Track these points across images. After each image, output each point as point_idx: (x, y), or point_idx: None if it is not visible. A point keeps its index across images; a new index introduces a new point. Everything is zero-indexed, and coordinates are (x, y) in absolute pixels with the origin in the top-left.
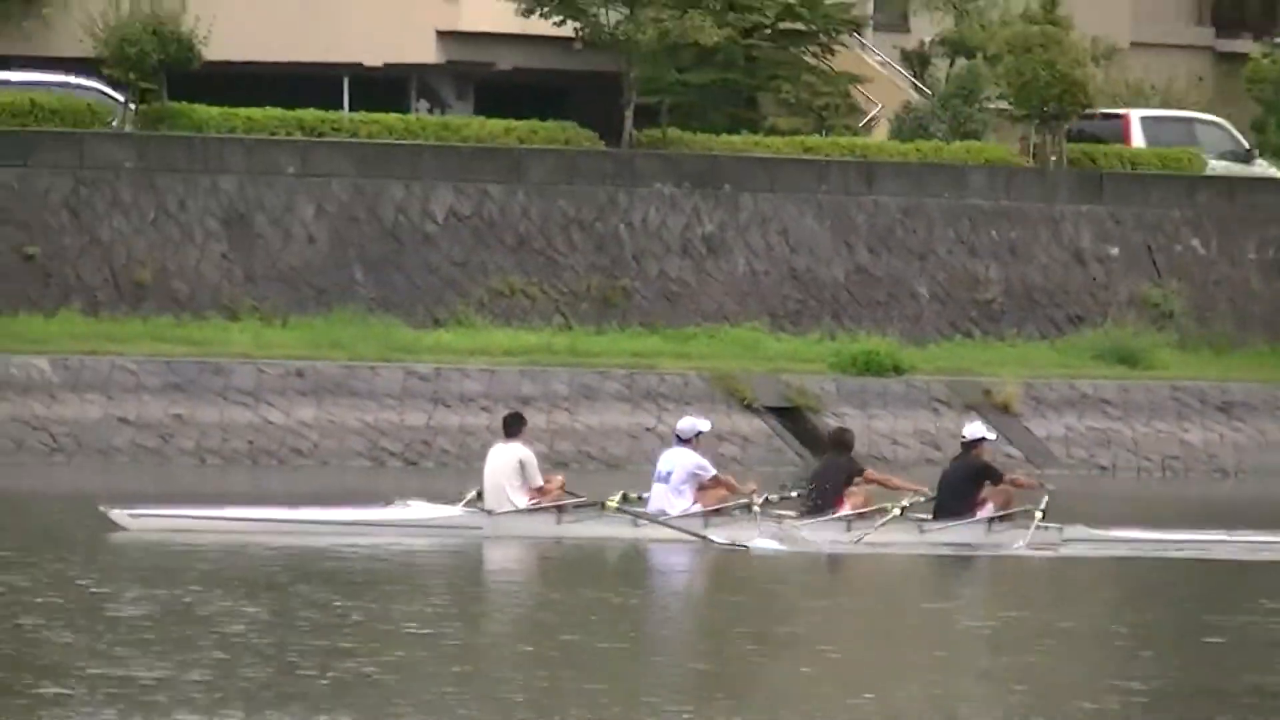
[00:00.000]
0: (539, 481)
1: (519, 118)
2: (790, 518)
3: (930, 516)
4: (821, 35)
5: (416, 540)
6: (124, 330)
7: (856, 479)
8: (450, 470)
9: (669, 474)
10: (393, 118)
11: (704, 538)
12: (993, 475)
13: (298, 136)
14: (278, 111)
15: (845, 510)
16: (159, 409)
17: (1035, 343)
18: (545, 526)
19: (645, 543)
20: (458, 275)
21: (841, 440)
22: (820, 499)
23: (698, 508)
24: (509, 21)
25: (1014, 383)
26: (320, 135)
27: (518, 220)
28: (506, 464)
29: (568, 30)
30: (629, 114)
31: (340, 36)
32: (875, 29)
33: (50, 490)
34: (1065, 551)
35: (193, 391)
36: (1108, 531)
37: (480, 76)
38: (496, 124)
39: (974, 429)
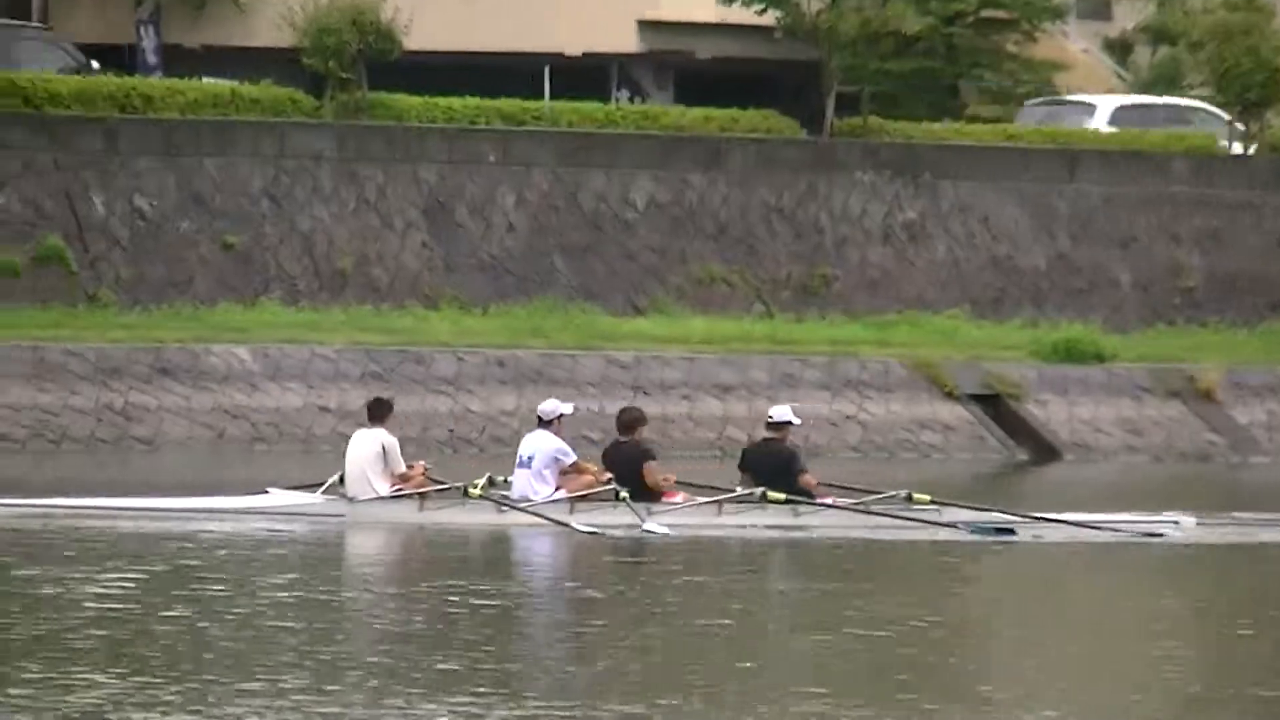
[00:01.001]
0: (402, 468)
1: (719, 106)
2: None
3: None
4: (1023, 23)
5: (277, 527)
6: (324, 319)
7: (649, 461)
8: None
9: (530, 459)
10: (593, 106)
11: (566, 525)
12: (798, 465)
13: (498, 125)
14: (478, 101)
15: (679, 499)
16: (359, 397)
17: (1237, 330)
18: (408, 514)
19: (510, 529)
20: (657, 263)
21: (626, 421)
22: (624, 484)
23: (562, 494)
24: (709, 11)
25: (1216, 370)
26: (521, 124)
27: (718, 208)
28: (369, 450)
29: (768, 19)
30: (830, 102)
31: (541, 26)
32: (1077, 17)
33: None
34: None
35: (393, 380)
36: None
37: (680, 65)
38: (696, 113)
39: (781, 411)
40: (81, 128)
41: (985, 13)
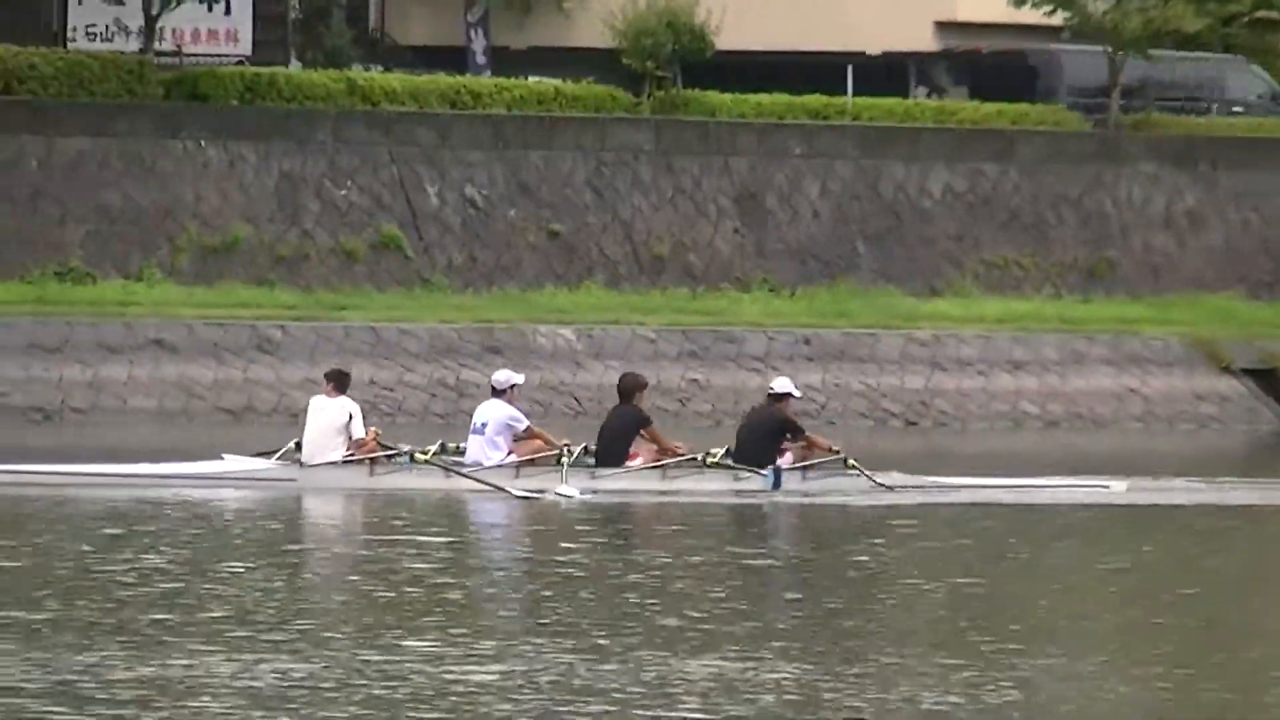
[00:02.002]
0: (363, 434)
1: (1010, 101)
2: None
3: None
4: None
5: (226, 493)
6: (643, 301)
7: (643, 429)
8: (947, 430)
9: (484, 425)
10: (892, 102)
11: (503, 489)
12: (794, 430)
13: (804, 121)
14: (785, 97)
15: (638, 463)
16: (676, 374)
17: None
18: (358, 479)
19: (457, 494)
20: (953, 248)
21: (626, 387)
22: (612, 448)
23: (512, 459)
24: (1001, 12)
25: None
26: (825, 119)
27: (1009, 196)
28: (335, 418)
29: (1057, 19)
30: (1115, 97)
31: (844, 27)
32: None
33: None
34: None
35: (707, 358)
36: (920, 478)
37: (974, 62)
38: (989, 107)
39: (781, 382)
40: (416, 123)
41: (1260, 13)
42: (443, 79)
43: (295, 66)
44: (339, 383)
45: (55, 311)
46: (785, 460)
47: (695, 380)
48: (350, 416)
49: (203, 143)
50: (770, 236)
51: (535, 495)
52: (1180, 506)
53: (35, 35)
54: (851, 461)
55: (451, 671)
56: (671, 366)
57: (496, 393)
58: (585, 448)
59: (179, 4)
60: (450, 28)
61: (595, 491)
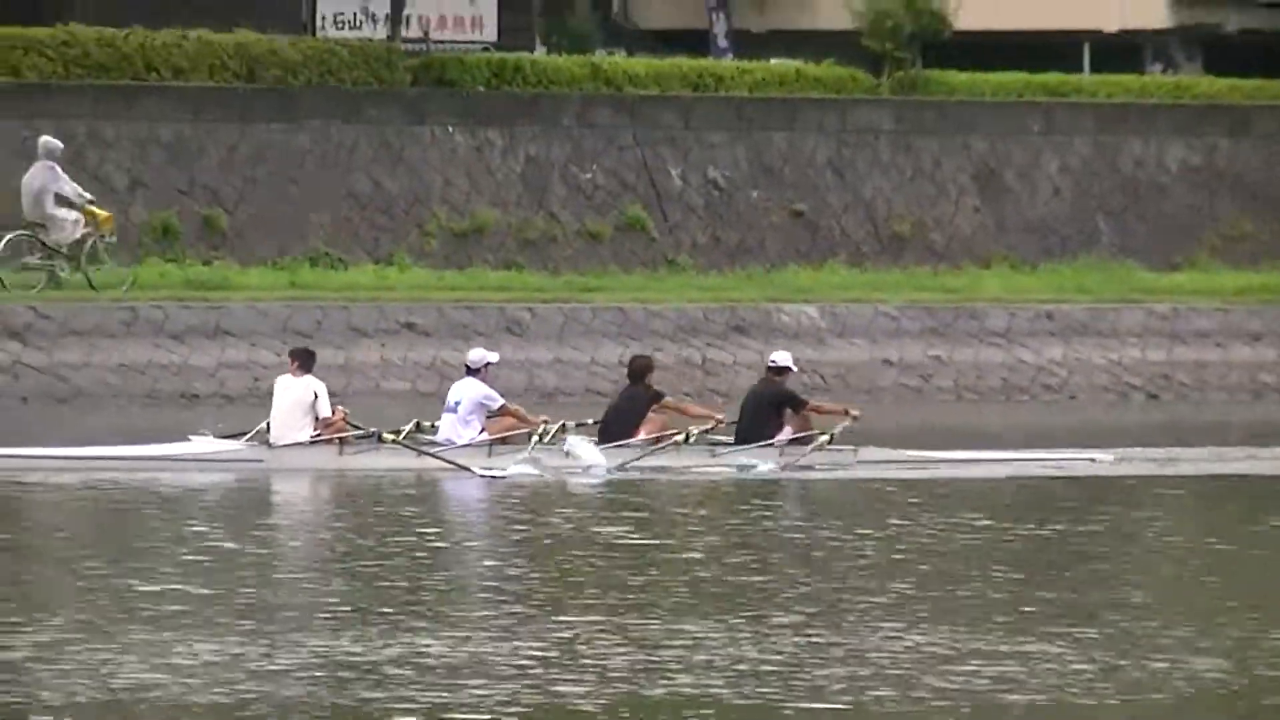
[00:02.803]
0: (329, 413)
1: (1245, 77)
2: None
3: (732, 441)
4: None
5: (194, 476)
6: (885, 279)
7: (654, 406)
8: (1188, 403)
9: (457, 404)
10: (1129, 79)
11: (465, 468)
12: (795, 402)
13: (1041, 98)
14: (1023, 76)
15: (640, 437)
16: (919, 351)
17: None
18: (327, 459)
19: (427, 474)
20: (1191, 222)
21: (636, 369)
22: (616, 427)
23: (485, 437)
24: None
25: None
26: (1063, 97)
27: (1245, 171)
28: (300, 397)
29: None
30: None
31: (1081, 5)
32: None
33: None
34: (859, 473)
35: (949, 335)
36: (901, 452)
37: (1209, 38)
38: (1224, 83)
39: (782, 356)
40: (659, 106)
41: None
42: (685, 62)
43: (540, 51)
44: (303, 362)
45: (307, 296)
46: (785, 434)
47: (937, 356)
48: (315, 395)
49: (450, 128)
50: (1010, 213)
51: (499, 474)
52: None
53: (285, 24)
54: (824, 436)
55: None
56: (914, 343)
57: (470, 371)
58: (563, 425)
59: None
60: (692, 11)
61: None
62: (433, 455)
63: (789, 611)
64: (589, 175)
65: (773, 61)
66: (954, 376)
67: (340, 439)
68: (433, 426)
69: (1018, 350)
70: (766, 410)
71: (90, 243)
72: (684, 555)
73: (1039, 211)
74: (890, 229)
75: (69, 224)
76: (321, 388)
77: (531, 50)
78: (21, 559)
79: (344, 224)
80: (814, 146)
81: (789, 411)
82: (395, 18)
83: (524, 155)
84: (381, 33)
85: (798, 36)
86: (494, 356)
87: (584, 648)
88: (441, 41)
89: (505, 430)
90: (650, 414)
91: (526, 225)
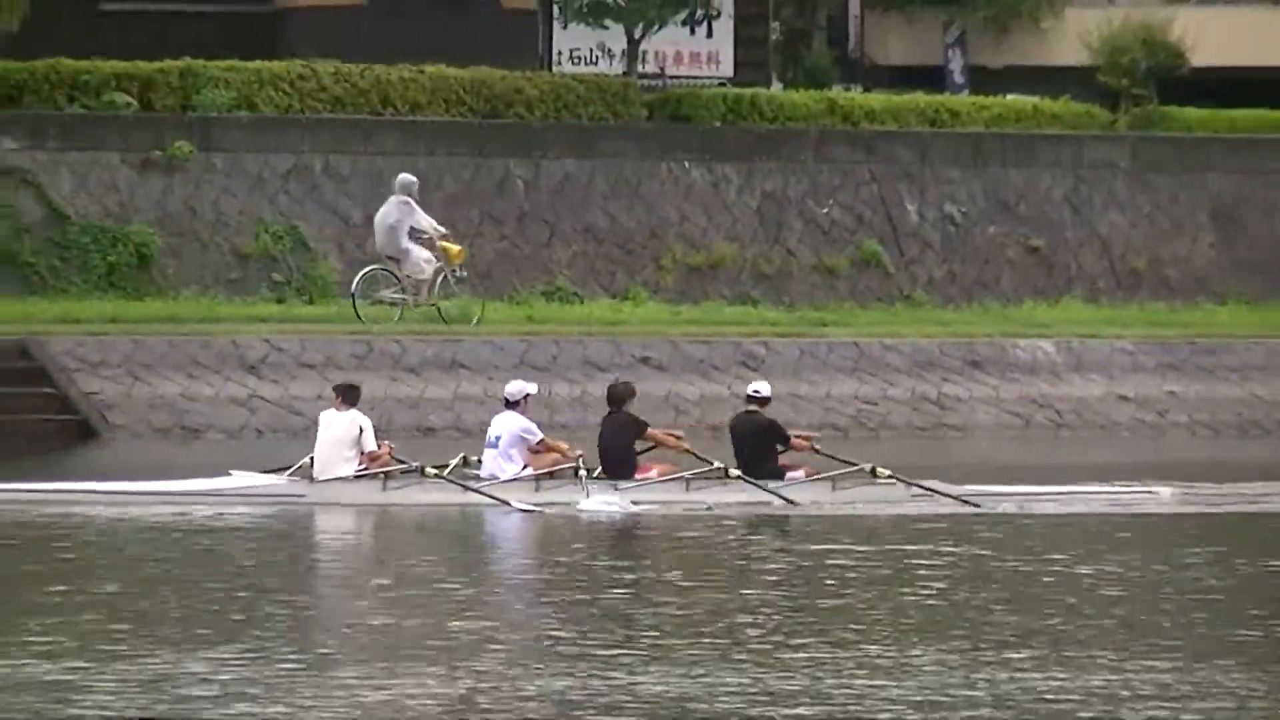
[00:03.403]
0: (374, 447)
1: None
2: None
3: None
4: None
5: (235, 510)
6: (1121, 315)
7: (642, 432)
8: None
9: (498, 439)
10: None
11: (505, 501)
12: (781, 434)
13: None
14: (1261, 113)
15: (652, 475)
16: (1154, 386)
17: None
18: (370, 493)
19: (471, 508)
20: None
21: (616, 395)
22: (614, 460)
23: (529, 471)
24: None
25: None
26: None
27: None
28: (345, 431)
29: None
30: None
31: None
32: None
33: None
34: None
35: (1185, 370)
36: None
37: None
38: None
39: (761, 386)
40: (896, 142)
41: None
42: (921, 98)
43: (776, 87)
44: (347, 397)
45: (544, 330)
46: (799, 474)
47: (1173, 392)
48: (360, 430)
49: (686, 163)
50: (1246, 250)
51: (538, 509)
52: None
53: (522, 60)
54: (881, 470)
55: None
56: (1150, 379)
57: (509, 404)
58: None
59: (661, 27)
60: (928, 48)
61: (632, 503)
62: (475, 490)
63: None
64: (826, 210)
65: (1009, 97)
66: (1189, 411)
67: (385, 473)
68: (477, 461)
69: (1252, 385)
70: (761, 442)
71: (442, 276)
72: (987, 594)
73: (1277, 249)
74: (1126, 265)
75: (422, 259)
76: (367, 422)
77: (767, 86)
78: (245, 595)
79: (580, 258)
80: (1050, 182)
81: (778, 446)
82: (631, 53)
83: (760, 190)
84: (617, 68)
85: (1034, 72)
86: (533, 388)
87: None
88: (677, 77)
89: (550, 465)
90: (650, 437)
91: (762, 260)
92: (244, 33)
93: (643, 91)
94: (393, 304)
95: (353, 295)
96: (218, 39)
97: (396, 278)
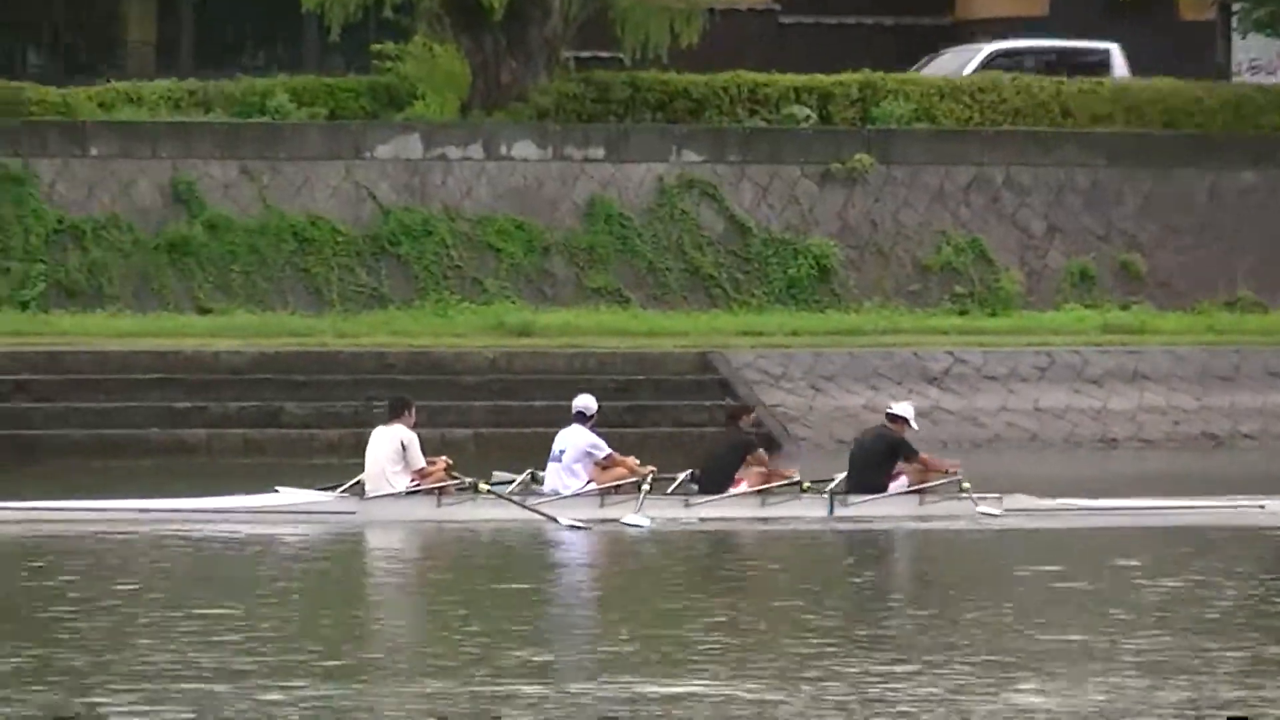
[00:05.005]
0: (421, 463)
1: None
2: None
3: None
4: None
5: (283, 529)
6: None
7: (749, 455)
8: None
9: (562, 453)
10: None
11: (553, 518)
12: (908, 451)
13: None
14: None
15: (743, 488)
16: None
17: None
18: (424, 510)
19: (523, 524)
20: None
21: (731, 415)
22: (713, 476)
23: (593, 486)
24: None
25: None
26: None
27: None
28: (390, 447)
29: None
30: None
31: None
32: None
33: None
34: (1009, 522)
35: None
36: (1046, 500)
37: None
38: None
39: (902, 406)
40: None
41: None
42: None
43: None
44: (394, 410)
45: (1225, 340)
46: (900, 483)
47: None
48: (403, 445)
49: None
50: None
51: (586, 525)
52: None
53: (1202, 71)
54: (965, 485)
55: None
56: None
57: (580, 418)
58: (692, 473)
59: None
60: None
61: (683, 520)
62: (527, 507)
63: None
64: None
65: None
66: None
67: (440, 489)
68: (542, 476)
69: None
70: (879, 459)
71: None
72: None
73: None
74: None
75: None
76: (411, 437)
77: None
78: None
79: (1263, 267)
80: None
81: (900, 461)
82: None
83: None
84: None
85: None
86: (594, 404)
87: None
88: None
89: (615, 480)
90: (750, 460)
91: None
92: (923, 45)
93: None
94: None
95: None
96: (898, 51)
97: None
